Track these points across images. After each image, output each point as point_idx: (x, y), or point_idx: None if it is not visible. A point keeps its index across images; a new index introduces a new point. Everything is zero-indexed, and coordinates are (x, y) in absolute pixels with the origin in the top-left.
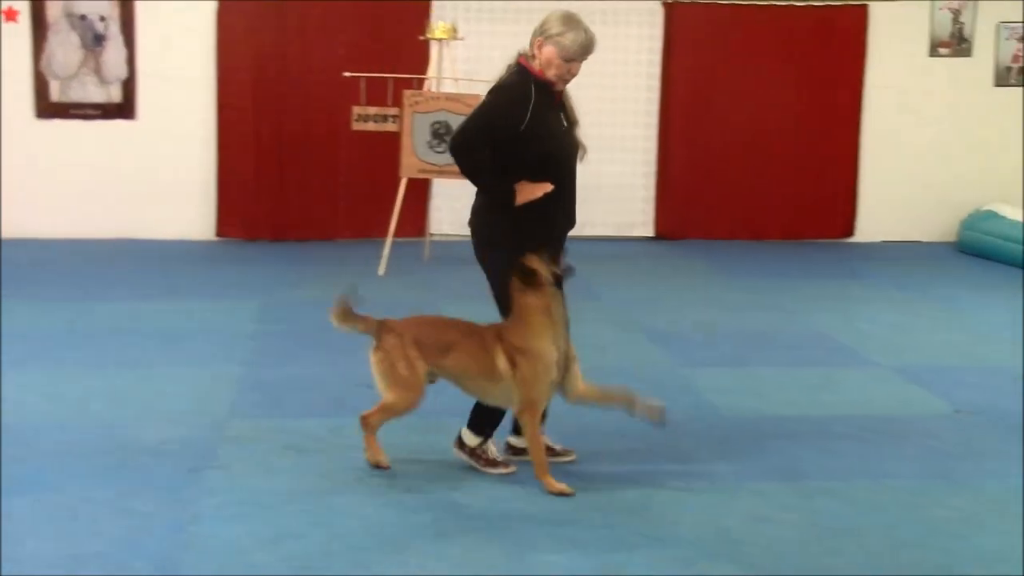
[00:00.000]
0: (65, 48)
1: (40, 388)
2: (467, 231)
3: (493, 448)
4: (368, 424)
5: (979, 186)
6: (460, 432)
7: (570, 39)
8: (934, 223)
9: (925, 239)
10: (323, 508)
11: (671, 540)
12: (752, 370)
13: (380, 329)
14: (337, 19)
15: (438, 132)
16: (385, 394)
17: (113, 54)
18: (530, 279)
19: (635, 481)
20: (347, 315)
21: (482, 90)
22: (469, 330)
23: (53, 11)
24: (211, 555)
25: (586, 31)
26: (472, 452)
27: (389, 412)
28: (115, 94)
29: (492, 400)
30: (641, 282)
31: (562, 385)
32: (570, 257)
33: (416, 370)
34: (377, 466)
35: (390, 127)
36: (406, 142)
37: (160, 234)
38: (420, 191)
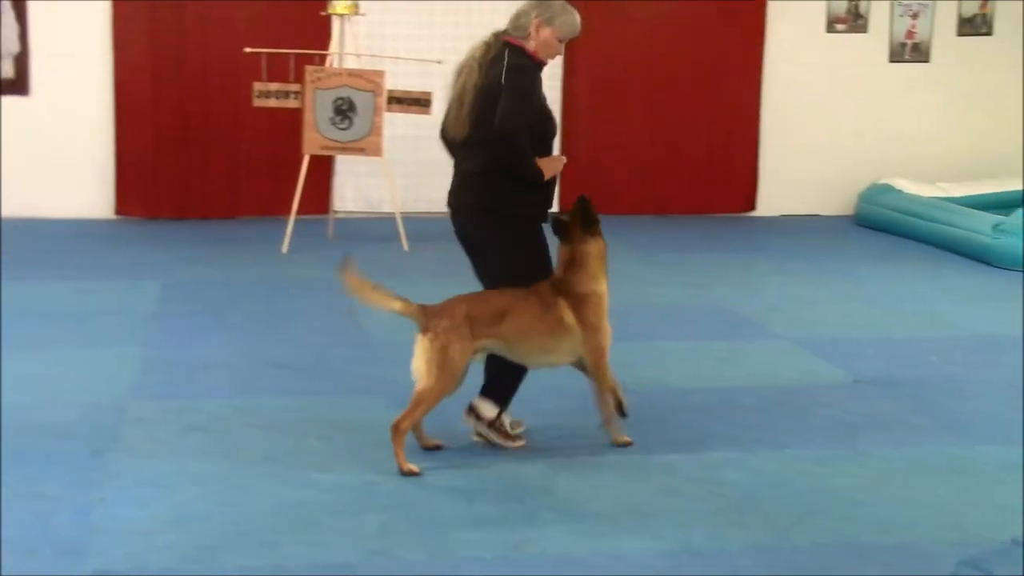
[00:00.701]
0: None
1: None
2: (372, 208)
3: (507, 420)
4: (400, 431)
5: (876, 160)
6: (474, 403)
7: (570, 22)
8: (833, 197)
9: (824, 213)
10: (230, 489)
11: (582, 515)
12: (658, 344)
13: (424, 314)
14: None
15: (340, 108)
16: (425, 380)
17: (5, 28)
18: (593, 227)
19: (545, 456)
20: (371, 289)
21: (385, 66)
22: (519, 293)
23: None
24: (117, 538)
25: (575, 12)
26: (491, 425)
27: (426, 404)
28: (8, 69)
29: (552, 358)
30: None
31: None
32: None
33: (467, 353)
34: (411, 473)
35: (292, 103)
36: (308, 118)
37: (58, 213)
38: (323, 168)
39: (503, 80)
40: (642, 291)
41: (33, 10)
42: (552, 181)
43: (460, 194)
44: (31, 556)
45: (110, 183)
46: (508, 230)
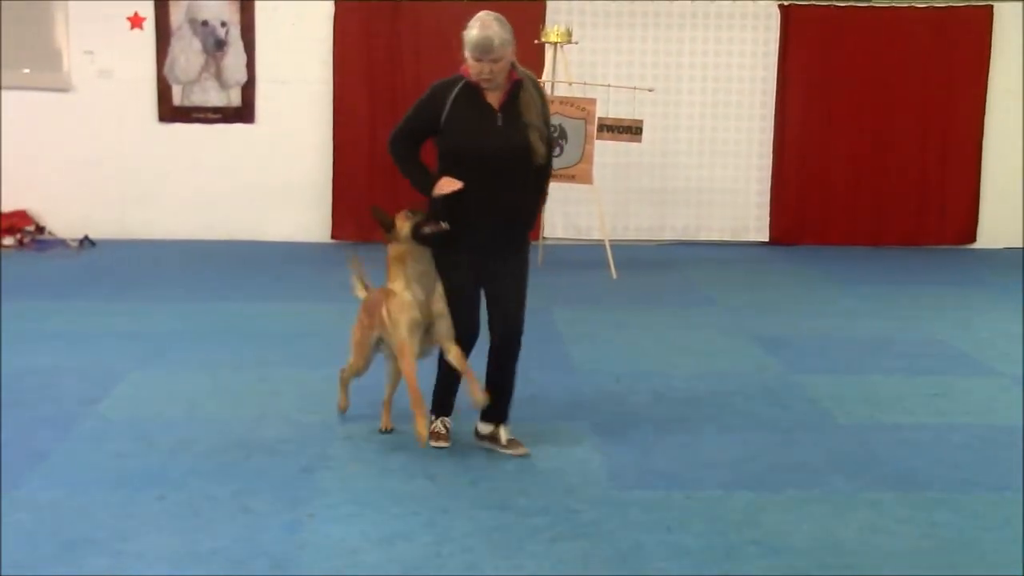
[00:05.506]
0: (187, 53)
1: (157, 386)
2: (581, 235)
3: (439, 424)
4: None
5: None
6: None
7: (466, 37)
8: None
9: None
10: (434, 509)
11: (784, 550)
12: (867, 378)
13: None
14: (451, 23)
15: (552, 136)
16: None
17: (233, 59)
18: (388, 233)
19: (748, 489)
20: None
21: (596, 93)
22: (378, 291)
23: (176, 17)
24: (325, 555)
25: (481, 29)
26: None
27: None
28: (235, 98)
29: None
30: (754, 288)
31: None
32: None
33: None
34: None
35: None
36: None
37: (276, 236)
38: None
39: None
40: (851, 323)
41: (259, 41)
42: (441, 200)
43: None
44: (242, 568)
45: (327, 208)
46: None
